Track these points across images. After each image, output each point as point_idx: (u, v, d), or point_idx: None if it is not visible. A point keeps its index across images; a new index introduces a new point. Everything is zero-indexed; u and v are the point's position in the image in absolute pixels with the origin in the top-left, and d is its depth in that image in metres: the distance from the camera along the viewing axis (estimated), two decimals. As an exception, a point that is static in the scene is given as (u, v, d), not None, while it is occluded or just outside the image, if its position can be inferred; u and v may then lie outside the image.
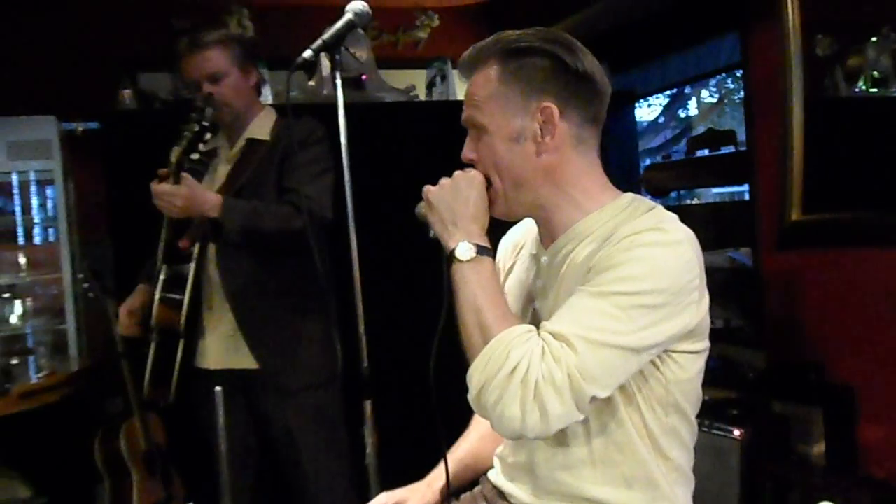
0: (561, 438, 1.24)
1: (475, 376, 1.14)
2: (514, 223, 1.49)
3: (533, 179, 1.27)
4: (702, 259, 1.20)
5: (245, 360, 2.29)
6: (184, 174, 2.10)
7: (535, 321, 1.28)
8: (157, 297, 2.26)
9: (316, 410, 2.33)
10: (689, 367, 1.24)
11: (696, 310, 1.19)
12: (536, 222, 1.36)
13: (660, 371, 1.21)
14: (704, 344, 1.25)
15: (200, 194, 2.11)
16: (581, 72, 1.26)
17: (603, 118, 1.31)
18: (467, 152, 1.31)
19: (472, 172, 1.28)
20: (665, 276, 1.14)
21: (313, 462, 2.33)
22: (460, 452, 1.53)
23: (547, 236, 1.34)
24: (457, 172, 1.28)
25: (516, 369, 1.09)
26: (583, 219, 1.28)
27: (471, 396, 1.15)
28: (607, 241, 1.19)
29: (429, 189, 1.28)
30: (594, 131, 1.30)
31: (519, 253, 1.46)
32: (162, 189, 2.08)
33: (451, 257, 1.22)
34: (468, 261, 1.21)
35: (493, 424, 1.14)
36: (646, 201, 1.29)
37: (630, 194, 1.31)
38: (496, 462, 1.46)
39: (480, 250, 1.22)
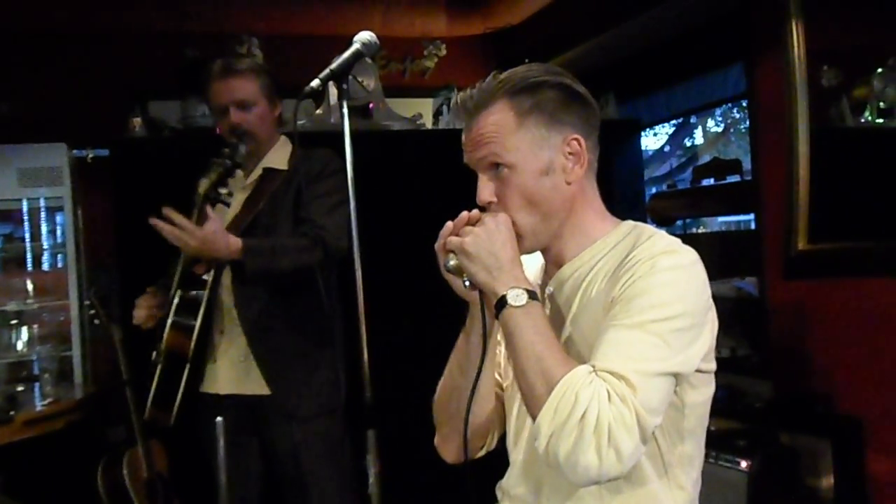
0: None
1: (544, 426, 1.11)
2: None
3: (561, 210, 1.28)
4: (707, 277, 1.23)
5: (255, 387, 2.29)
6: (208, 209, 2.09)
7: None
8: (168, 321, 2.27)
9: (323, 437, 2.33)
10: (703, 389, 1.25)
11: (712, 327, 1.22)
12: (544, 252, 1.35)
13: (677, 396, 1.21)
14: (714, 364, 1.26)
15: (220, 238, 2.09)
16: (588, 99, 1.28)
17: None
18: (486, 196, 1.28)
19: (500, 215, 1.25)
20: (689, 297, 1.16)
21: (318, 488, 2.32)
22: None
23: (552, 265, 1.34)
24: (485, 216, 1.25)
25: (587, 414, 1.07)
26: (588, 246, 1.29)
27: (539, 446, 1.12)
28: (622, 268, 1.20)
29: (463, 240, 1.23)
30: (597, 155, 1.32)
31: None
32: (182, 225, 2.05)
33: (501, 304, 1.19)
34: (521, 307, 1.18)
35: (565, 472, 1.11)
36: (647, 226, 1.30)
37: (630, 221, 1.32)
38: (499, 495, 1.44)
39: (532, 295, 1.19)
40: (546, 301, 1.33)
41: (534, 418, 1.14)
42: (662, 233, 1.26)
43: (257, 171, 2.38)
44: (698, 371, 1.20)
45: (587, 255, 1.28)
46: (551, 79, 1.27)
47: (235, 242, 2.11)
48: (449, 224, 1.28)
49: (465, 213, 1.28)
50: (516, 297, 1.18)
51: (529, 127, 1.24)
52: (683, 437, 1.24)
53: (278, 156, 2.40)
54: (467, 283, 1.26)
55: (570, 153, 1.26)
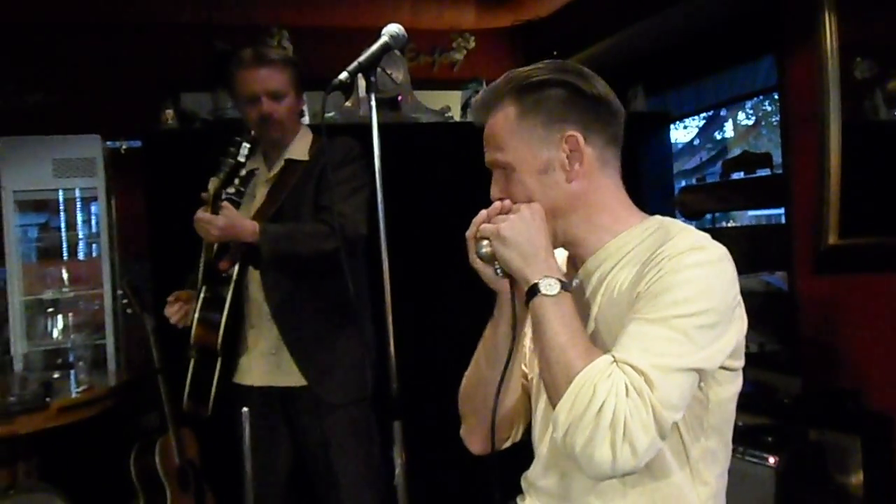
0: None
1: (561, 417, 1.12)
2: None
3: (566, 207, 1.28)
4: (736, 274, 1.22)
5: (286, 378, 2.33)
6: (223, 203, 2.17)
7: None
8: (195, 316, 2.30)
9: (352, 425, 2.36)
10: (728, 386, 1.24)
11: (740, 325, 1.21)
12: (568, 248, 1.36)
13: (702, 391, 1.21)
14: (742, 361, 1.25)
15: (238, 223, 2.18)
16: (597, 95, 1.27)
17: (621, 138, 1.32)
18: (496, 192, 1.31)
19: (534, 204, 1.26)
20: (715, 294, 1.16)
21: (347, 475, 2.35)
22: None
23: (577, 259, 1.34)
24: (520, 205, 1.26)
25: (603, 408, 1.08)
26: (612, 239, 1.29)
27: (557, 436, 1.13)
28: (649, 264, 1.19)
29: (499, 226, 1.24)
30: (616, 152, 1.31)
31: None
32: (200, 217, 2.18)
33: (532, 292, 1.20)
34: (552, 296, 1.19)
35: (581, 464, 1.12)
36: (676, 222, 1.29)
37: (658, 216, 1.32)
38: (524, 486, 1.45)
39: (564, 286, 1.20)
40: (572, 293, 1.31)
41: (553, 407, 1.15)
42: (691, 228, 1.26)
43: (279, 164, 2.41)
44: (724, 368, 1.20)
45: (612, 246, 1.28)
46: (556, 77, 1.27)
47: (253, 226, 2.19)
48: (483, 213, 1.30)
49: (498, 203, 1.29)
50: (549, 287, 1.19)
51: (527, 126, 1.26)
52: (707, 433, 1.24)
53: (299, 147, 2.43)
54: (499, 271, 1.27)
55: (570, 150, 1.26)
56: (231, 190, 2.21)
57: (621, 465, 1.08)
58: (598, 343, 1.24)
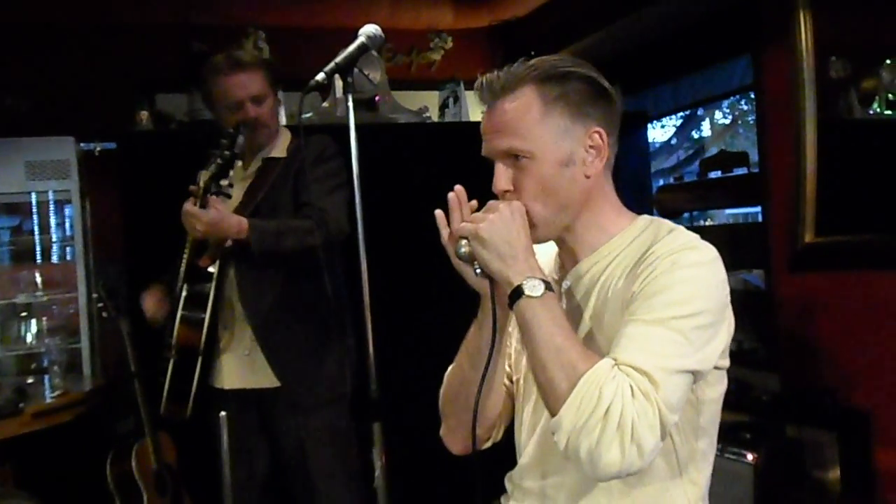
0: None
1: (566, 420, 1.09)
2: None
3: (577, 202, 1.27)
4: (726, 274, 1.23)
5: (261, 380, 2.31)
6: (211, 198, 2.14)
7: None
8: (178, 315, 2.28)
9: (329, 427, 2.35)
10: (717, 386, 1.25)
11: (729, 325, 1.22)
12: (559, 244, 1.35)
13: (693, 393, 1.21)
14: (728, 361, 1.25)
15: (225, 218, 2.15)
16: (613, 95, 1.29)
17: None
18: (503, 184, 1.26)
19: (514, 203, 1.23)
20: (710, 295, 1.16)
21: (324, 479, 2.34)
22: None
23: (569, 259, 1.33)
24: (499, 204, 1.23)
25: (610, 410, 1.06)
26: (606, 242, 1.29)
27: (559, 441, 1.11)
28: (642, 263, 1.20)
29: (477, 226, 1.21)
30: (615, 152, 1.32)
31: None
32: (188, 210, 2.14)
33: (516, 294, 1.17)
34: (538, 297, 1.16)
35: (585, 467, 1.09)
36: (665, 221, 1.30)
37: (647, 216, 1.33)
38: (508, 486, 1.44)
39: (547, 285, 1.17)
40: (563, 296, 1.32)
41: (552, 412, 1.12)
42: (682, 228, 1.27)
43: (257, 162, 2.40)
44: (715, 368, 1.21)
45: (605, 250, 1.28)
46: (581, 70, 1.26)
47: (241, 222, 2.16)
48: (440, 213, 1.28)
49: (474, 202, 1.28)
50: (533, 288, 1.16)
51: (554, 116, 1.23)
52: (698, 434, 1.25)
53: (277, 145, 2.42)
54: (479, 271, 1.24)
55: (591, 146, 1.25)
56: (224, 182, 2.17)
57: (629, 467, 1.07)
58: (593, 345, 1.23)
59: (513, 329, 1.38)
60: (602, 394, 1.07)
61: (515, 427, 1.43)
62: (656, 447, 1.08)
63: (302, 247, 2.20)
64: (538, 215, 1.25)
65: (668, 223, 1.28)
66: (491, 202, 1.25)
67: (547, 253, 1.40)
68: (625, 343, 1.13)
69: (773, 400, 2.77)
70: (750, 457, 2.44)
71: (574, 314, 1.29)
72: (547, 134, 1.23)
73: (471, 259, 1.24)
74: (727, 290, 1.20)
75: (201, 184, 2.16)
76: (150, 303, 2.39)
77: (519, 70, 1.26)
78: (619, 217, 1.31)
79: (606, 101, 1.27)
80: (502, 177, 1.26)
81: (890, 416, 2.48)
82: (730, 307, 1.22)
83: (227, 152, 2.15)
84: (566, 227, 1.29)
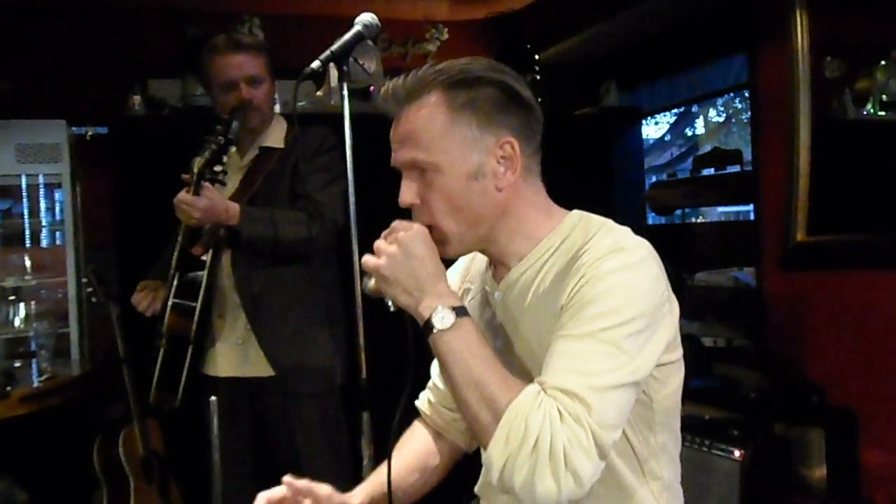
0: None
1: (495, 457, 1.04)
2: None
3: (490, 216, 1.20)
4: (662, 267, 1.17)
5: (254, 369, 2.32)
6: (205, 184, 2.12)
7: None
8: (170, 302, 2.27)
9: (320, 415, 2.35)
10: (668, 381, 1.21)
11: (671, 319, 1.17)
12: (489, 256, 1.29)
13: (644, 394, 1.17)
14: (679, 352, 1.22)
15: (220, 205, 2.14)
16: (529, 101, 1.20)
17: (541, 147, 1.25)
18: (408, 198, 1.21)
19: (414, 228, 1.16)
20: (641, 298, 1.10)
21: (314, 467, 2.33)
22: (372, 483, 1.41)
23: (499, 269, 1.28)
24: (400, 235, 1.15)
25: (539, 441, 1.01)
26: (534, 247, 1.23)
27: (493, 477, 1.06)
28: (570, 270, 1.14)
29: (377, 264, 1.15)
30: (538, 160, 1.24)
31: (466, 288, 1.39)
32: (182, 199, 2.11)
33: (428, 328, 1.11)
34: (449, 329, 1.09)
35: (522, 501, 1.04)
36: (593, 217, 1.24)
37: (576, 212, 1.26)
38: (479, 497, 1.42)
39: (459, 312, 1.11)
40: (496, 306, 1.28)
41: (483, 447, 1.08)
42: (610, 224, 1.21)
43: (254, 151, 2.39)
44: (661, 365, 1.16)
45: (534, 256, 1.22)
46: (492, 76, 1.18)
47: (234, 207, 2.16)
48: (377, 242, 1.20)
49: (383, 239, 1.19)
50: (442, 320, 1.10)
51: (461, 126, 1.16)
52: (655, 430, 1.22)
53: (274, 134, 2.41)
54: (391, 305, 1.18)
55: (502, 157, 1.17)
56: (218, 168, 2.15)
57: (567, 495, 1.02)
58: (527, 357, 1.20)
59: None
60: (528, 425, 1.01)
61: None
62: (595, 471, 1.03)
63: (293, 238, 2.19)
64: (449, 231, 1.20)
65: (596, 220, 1.23)
66: (395, 223, 1.18)
67: (479, 263, 1.36)
68: (553, 363, 1.07)
69: (760, 397, 2.78)
70: (737, 453, 2.45)
71: (508, 325, 1.25)
72: (453, 145, 1.16)
73: (379, 295, 1.18)
74: (663, 286, 1.15)
75: (195, 169, 2.14)
76: (142, 300, 2.38)
77: (425, 75, 1.19)
78: (548, 219, 1.24)
79: (522, 108, 1.19)
80: (407, 191, 1.21)
81: (876, 415, 2.50)
82: (670, 301, 1.17)
83: (221, 138, 2.13)
84: (486, 239, 1.23)
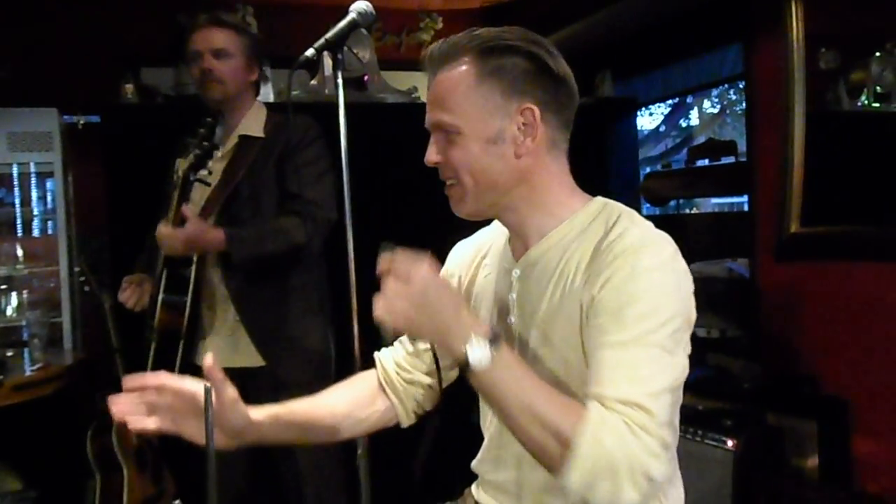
0: None
1: (576, 483, 1.03)
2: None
3: (508, 182, 1.21)
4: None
5: (244, 359, 2.31)
6: (184, 209, 2.12)
7: (510, 335, 1.25)
8: (160, 298, 2.27)
9: None
10: None
11: (694, 315, 1.19)
12: (508, 227, 1.31)
13: None
14: (689, 349, 1.22)
15: (202, 235, 2.14)
16: (560, 75, 1.21)
17: (572, 123, 1.26)
18: (432, 156, 1.23)
19: (421, 270, 1.12)
20: (676, 295, 1.12)
21: (307, 456, 2.35)
22: (300, 405, 1.42)
23: (519, 245, 1.29)
24: (409, 276, 1.11)
25: (617, 461, 1.02)
26: (556, 227, 1.24)
27: (574, 499, 1.07)
28: (597, 259, 1.14)
29: (395, 314, 1.11)
30: (566, 136, 1.26)
31: (481, 263, 1.39)
32: (162, 233, 2.13)
33: (465, 367, 1.08)
34: (490, 364, 1.07)
35: None
36: (616, 205, 1.25)
37: (600, 198, 1.27)
38: (477, 474, 1.41)
39: (493, 339, 1.08)
40: (514, 284, 1.28)
41: (551, 472, 1.08)
42: (633, 215, 1.21)
43: (233, 140, 2.37)
44: None
45: (555, 236, 1.23)
46: (524, 46, 1.19)
47: (218, 236, 2.16)
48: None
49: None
50: (479, 358, 1.07)
51: (485, 92, 1.18)
52: None
53: (253, 123, 2.39)
54: (421, 344, 1.18)
55: (523, 123, 1.19)
56: (204, 172, 2.16)
57: (646, 497, 1.04)
58: (540, 337, 1.20)
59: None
60: (604, 447, 1.02)
61: (481, 412, 1.40)
62: (666, 470, 1.07)
63: (285, 248, 2.19)
64: (467, 188, 1.22)
65: (619, 208, 1.23)
66: (399, 268, 1.13)
67: (498, 243, 1.35)
68: (607, 374, 1.07)
69: (754, 387, 2.79)
70: (730, 443, 2.45)
71: (524, 304, 1.25)
72: (475, 109, 1.18)
73: (398, 336, 1.17)
74: (690, 281, 1.16)
75: (180, 172, 2.15)
76: (129, 297, 2.38)
77: (461, 39, 1.21)
78: (570, 199, 1.26)
79: (550, 80, 1.20)
80: (432, 150, 1.24)
81: (869, 405, 2.51)
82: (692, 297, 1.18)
83: (204, 143, 2.13)
84: (504, 206, 1.25)
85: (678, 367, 1.11)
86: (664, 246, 1.15)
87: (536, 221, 1.25)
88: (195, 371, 2.35)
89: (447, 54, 1.21)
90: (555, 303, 1.20)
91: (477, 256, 1.40)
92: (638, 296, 1.09)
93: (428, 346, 1.21)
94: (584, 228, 1.21)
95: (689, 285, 1.16)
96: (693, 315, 1.18)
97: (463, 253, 1.44)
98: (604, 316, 1.11)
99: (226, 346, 2.33)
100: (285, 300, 2.33)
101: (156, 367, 2.31)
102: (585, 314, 1.14)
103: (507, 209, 1.26)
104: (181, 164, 2.16)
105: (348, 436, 1.43)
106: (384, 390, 1.43)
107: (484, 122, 1.19)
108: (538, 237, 1.25)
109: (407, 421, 1.43)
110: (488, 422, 1.36)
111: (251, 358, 2.30)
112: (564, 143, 1.26)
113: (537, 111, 1.19)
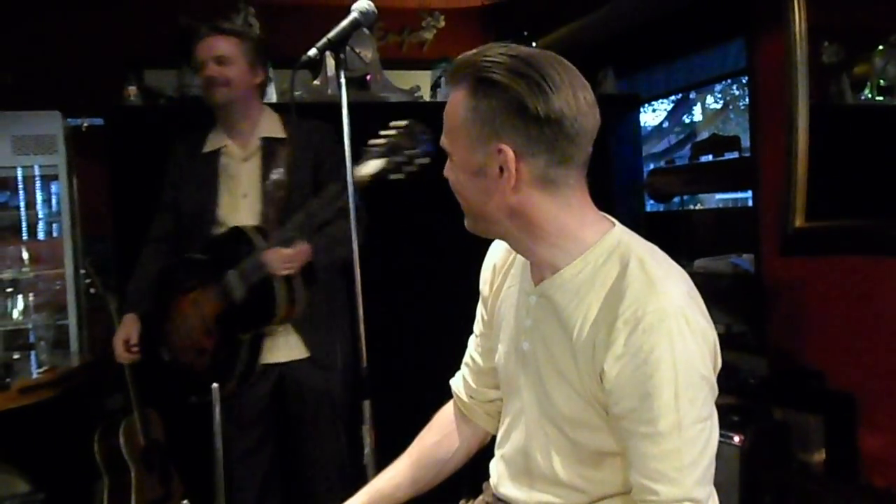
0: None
1: None
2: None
3: (495, 215, 1.18)
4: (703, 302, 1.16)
5: (292, 353, 2.41)
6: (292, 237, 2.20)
7: (522, 361, 1.26)
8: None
9: (334, 402, 2.43)
10: None
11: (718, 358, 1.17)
12: (518, 254, 1.30)
13: None
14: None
15: (300, 251, 2.21)
16: (543, 116, 1.10)
17: (582, 157, 1.16)
18: (445, 170, 1.23)
19: None
20: (700, 363, 1.09)
21: (317, 449, 2.43)
22: (382, 481, 1.45)
23: (535, 272, 1.26)
24: None
25: None
26: (568, 263, 1.19)
27: None
28: (610, 315, 1.11)
29: None
30: (568, 171, 1.15)
31: (508, 271, 1.37)
32: (286, 255, 2.20)
33: None
34: None
35: None
36: (631, 243, 1.18)
37: (614, 232, 1.20)
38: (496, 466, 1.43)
39: None
40: (531, 311, 1.26)
41: None
42: (643, 258, 1.15)
43: (255, 142, 2.40)
44: None
45: (568, 272, 1.18)
46: (507, 83, 1.11)
47: (307, 248, 2.22)
48: None
49: None
50: None
51: (469, 125, 1.15)
52: None
53: (270, 125, 2.44)
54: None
55: (500, 164, 1.14)
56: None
57: None
58: (558, 374, 1.20)
59: (502, 321, 1.34)
60: None
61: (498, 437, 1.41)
62: None
63: (351, 250, 2.21)
64: (465, 209, 1.24)
65: (631, 247, 1.16)
66: None
67: (523, 260, 1.31)
68: (653, 467, 1.09)
69: (760, 382, 2.78)
70: (737, 439, 2.45)
71: (538, 336, 1.23)
72: (463, 139, 1.16)
73: None
74: (705, 329, 1.11)
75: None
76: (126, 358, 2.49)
77: (466, 63, 1.16)
78: (581, 231, 1.19)
79: (532, 121, 1.11)
80: (447, 164, 1.23)
81: (875, 400, 2.51)
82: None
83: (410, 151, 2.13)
84: (504, 236, 1.24)
85: (714, 425, 1.11)
86: (680, 310, 1.09)
87: (545, 253, 1.20)
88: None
89: (453, 74, 1.19)
90: (564, 345, 1.19)
91: (507, 261, 1.38)
92: (663, 380, 1.07)
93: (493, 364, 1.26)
94: (596, 269, 1.17)
95: (705, 340, 1.11)
96: (718, 364, 1.15)
97: (490, 264, 1.42)
98: (627, 401, 1.10)
99: (283, 344, 2.41)
100: (324, 297, 2.41)
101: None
102: (598, 376, 1.13)
103: (507, 237, 1.24)
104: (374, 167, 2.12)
105: (451, 471, 1.48)
106: (468, 418, 1.48)
107: (469, 154, 1.17)
108: (551, 270, 1.21)
109: (494, 430, 1.46)
110: (501, 437, 1.38)
111: (297, 351, 2.40)
112: (568, 177, 1.16)
113: (510, 153, 1.12)
